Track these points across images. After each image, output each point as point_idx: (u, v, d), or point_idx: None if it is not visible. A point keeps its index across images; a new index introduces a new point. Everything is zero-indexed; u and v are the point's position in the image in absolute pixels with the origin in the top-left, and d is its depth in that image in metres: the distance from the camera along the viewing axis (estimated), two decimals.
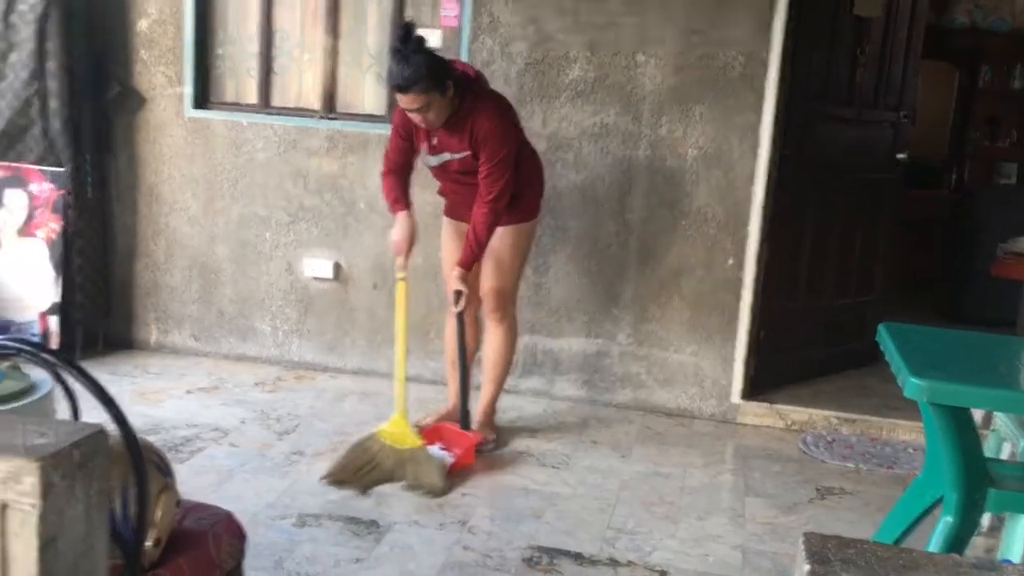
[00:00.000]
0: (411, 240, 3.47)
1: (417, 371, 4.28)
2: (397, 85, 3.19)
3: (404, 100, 3.21)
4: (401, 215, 3.47)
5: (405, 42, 3.18)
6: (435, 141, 3.37)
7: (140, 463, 1.57)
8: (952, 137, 7.92)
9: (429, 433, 3.49)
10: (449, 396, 3.76)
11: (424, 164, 3.53)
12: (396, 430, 3.36)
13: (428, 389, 4.16)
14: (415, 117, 3.26)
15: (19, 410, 2.16)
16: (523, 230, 3.56)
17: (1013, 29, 7.43)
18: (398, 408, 3.41)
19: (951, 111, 7.93)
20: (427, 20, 4.14)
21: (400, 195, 3.49)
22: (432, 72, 3.17)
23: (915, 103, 4.77)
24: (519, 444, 3.68)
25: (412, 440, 3.35)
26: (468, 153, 3.34)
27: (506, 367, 3.69)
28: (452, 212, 3.63)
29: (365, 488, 3.18)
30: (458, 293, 3.41)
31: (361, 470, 3.26)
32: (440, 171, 3.51)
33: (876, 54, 4.44)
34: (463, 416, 3.58)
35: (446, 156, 3.39)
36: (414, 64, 3.15)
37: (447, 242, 3.65)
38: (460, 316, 3.51)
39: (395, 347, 3.54)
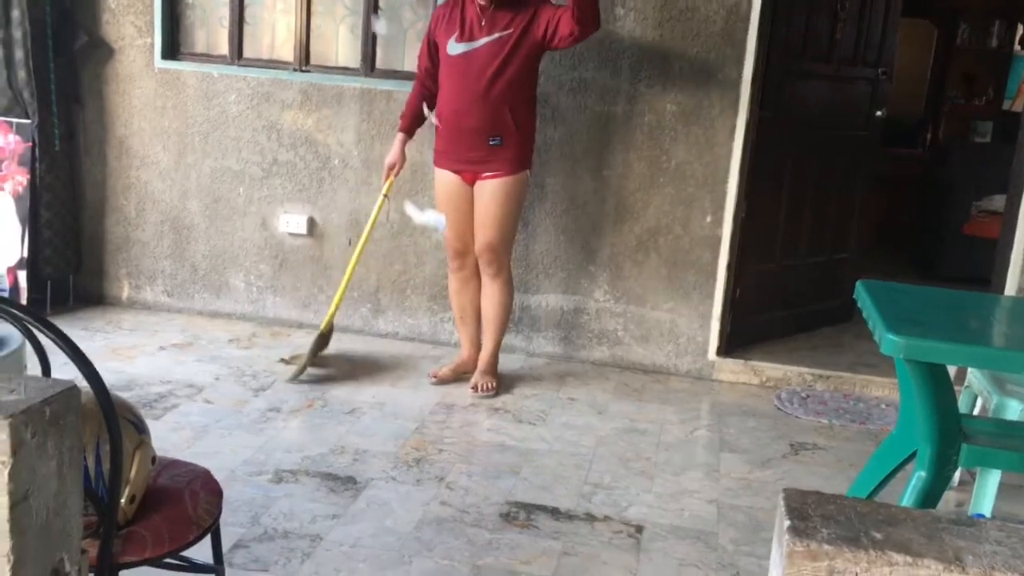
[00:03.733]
0: (400, 164, 3.73)
1: (393, 327, 4.27)
2: None
3: None
4: (400, 137, 3.71)
5: None
6: (480, 24, 3.42)
7: (113, 420, 1.54)
8: (929, 95, 7.93)
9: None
10: (462, 347, 3.89)
11: (443, 60, 3.54)
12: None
13: (406, 345, 4.15)
14: None
15: None
16: (516, 182, 3.57)
17: None
18: (335, 303, 3.79)
19: (928, 69, 7.93)
20: None
21: (412, 116, 3.70)
22: None
23: (894, 60, 4.75)
24: (496, 401, 3.68)
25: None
26: (511, 32, 3.40)
27: (505, 319, 3.80)
28: (448, 156, 3.60)
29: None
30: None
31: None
32: (459, 66, 3.47)
33: (856, 11, 4.41)
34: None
35: (482, 41, 3.43)
36: None
37: (445, 201, 3.65)
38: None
39: (353, 254, 3.84)
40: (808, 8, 4.18)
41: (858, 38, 4.46)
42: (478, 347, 3.82)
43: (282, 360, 3.83)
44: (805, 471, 3.27)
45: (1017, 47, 7.95)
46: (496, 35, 3.43)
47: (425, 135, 3.83)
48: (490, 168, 3.54)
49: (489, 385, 3.72)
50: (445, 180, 3.63)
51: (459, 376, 3.81)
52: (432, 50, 3.60)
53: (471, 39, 3.46)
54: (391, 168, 3.74)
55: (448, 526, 2.71)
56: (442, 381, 3.78)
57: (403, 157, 3.73)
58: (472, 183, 3.59)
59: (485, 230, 3.58)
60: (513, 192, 3.57)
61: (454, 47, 3.48)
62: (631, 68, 3.91)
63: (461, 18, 3.47)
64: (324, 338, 3.82)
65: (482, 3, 3.41)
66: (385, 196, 3.79)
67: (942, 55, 7.85)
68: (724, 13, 3.81)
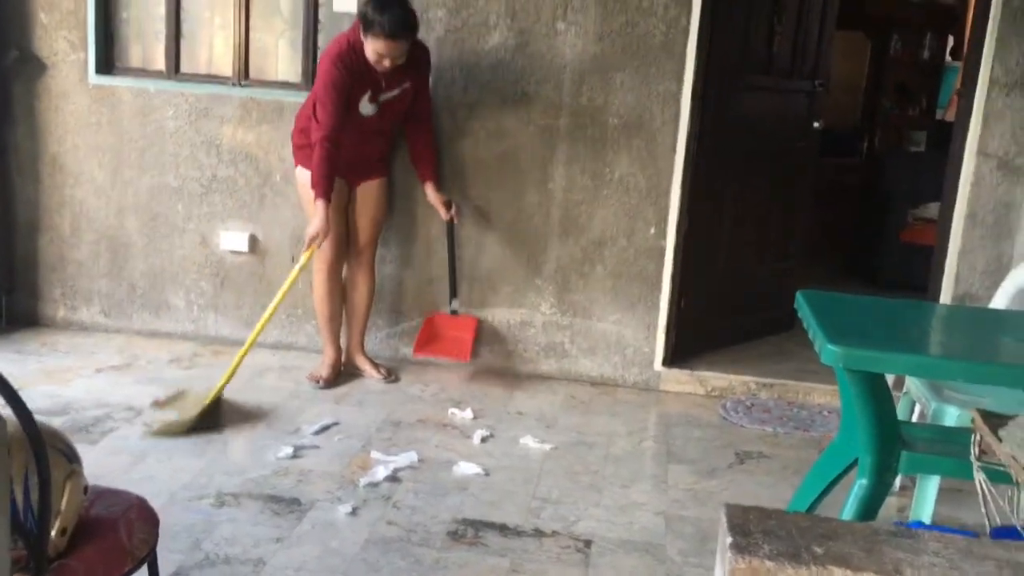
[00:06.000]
0: (324, 234, 3.62)
1: (295, 338, 4.25)
2: (401, 33, 3.42)
3: (393, 47, 3.44)
4: (323, 204, 3.57)
5: None
6: (383, 84, 3.59)
7: (41, 449, 1.49)
8: (865, 105, 8.11)
9: (425, 325, 4.00)
10: (333, 348, 3.95)
11: (354, 120, 3.61)
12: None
13: (300, 356, 4.12)
14: (384, 63, 3.48)
15: None
16: (388, 181, 3.95)
17: (923, 0, 7.61)
18: (231, 367, 3.54)
19: (864, 80, 8.10)
20: None
21: (331, 181, 3.60)
22: (415, 19, 3.53)
23: (829, 72, 4.84)
24: (443, 416, 3.65)
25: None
26: (408, 86, 3.65)
27: None
28: (344, 172, 3.73)
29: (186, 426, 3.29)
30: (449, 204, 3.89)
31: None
32: (373, 119, 3.66)
33: (792, 24, 4.48)
34: (452, 299, 4.05)
35: (393, 93, 3.62)
36: (409, 14, 3.47)
37: (343, 199, 3.81)
38: (451, 226, 3.94)
39: (264, 314, 3.66)
40: (746, 22, 4.24)
41: (794, 51, 4.54)
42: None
43: (155, 403, 3.44)
44: (751, 480, 3.30)
45: (948, 58, 8.17)
46: (397, 90, 3.65)
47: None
48: (375, 173, 3.86)
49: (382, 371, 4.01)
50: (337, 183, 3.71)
51: (339, 373, 3.95)
52: (349, 98, 3.57)
53: (378, 98, 3.64)
54: (314, 239, 3.57)
55: (395, 546, 2.68)
56: (328, 383, 3.87)
57: (328, 226, 3.58)
58: (355, 186, 3.83)
59: (370, 228, 3.89)
60: (388, 190, 3.95)
61: (366, 107, 3.63)
62: (573, 82, 3.93)
63: (371, 79, 3.56)
64: (213, 410, 3.43)
65: (386, 71, 3.54)
66: (302, 268, 3.64)
67: (876, 66, 8.03)
68: (664, 27, 3.85)
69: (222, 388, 3.49)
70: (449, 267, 4.02)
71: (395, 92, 3.64)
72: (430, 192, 3.86)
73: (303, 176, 3.74)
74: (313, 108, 3.63)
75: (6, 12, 4.09)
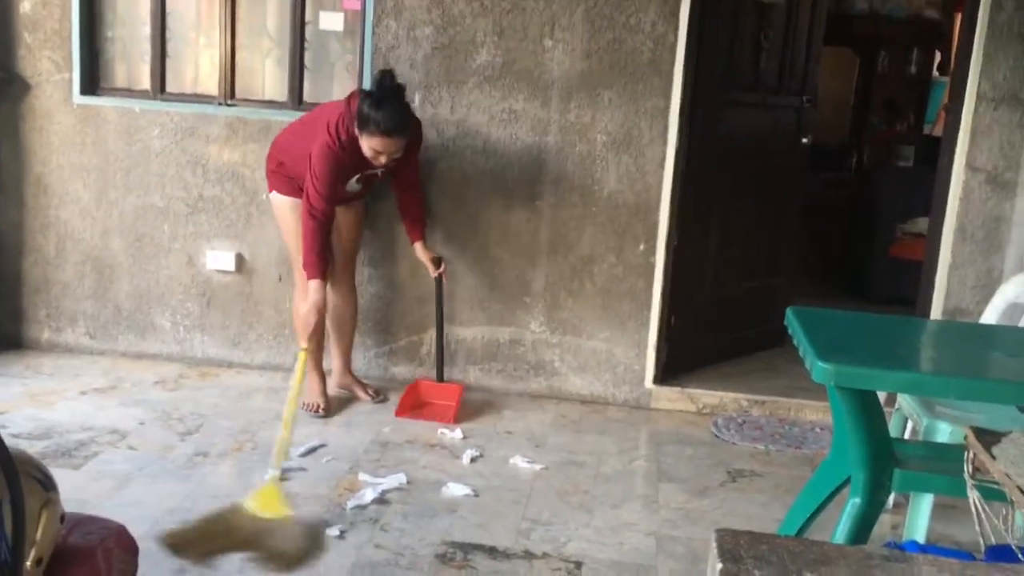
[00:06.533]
0: (324, 314, 3.61)
1: (283, 359, 4.20)
2: (397, 130, 3.40)
3: (390, 143, 3.41)
4: (319, 284, 3.51)
5: (394, 89, 3.43)
6: (372, 164, 3.52)
7: (14, 477, 1.46)
8: (853, 121, 8.13)
9: (409, 390, 3.87)
10: (312, 376, 3.80)
11: (337, 192, 3.60)
12: (265, 497, 2.93)
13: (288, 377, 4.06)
14: (381, 159, 3.45)
15: None
16: (364, 202, 3.94)
17: (910, 16, 7.66)
18: (274, 467, 3.08)
19: (852, 95, 8.14)
20: (328, 3, 4.03)
21: (326, 261, 3.55)
22: (411, 113, 3.56)
23: (817, 88, 4.85)
24: (431, 436, 3.62)
25: (281, 509, 2.90)
26: (399, 157, 3.54)
27: None
28: None
29: (202, 557, 2.64)
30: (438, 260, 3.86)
31: (206, 537, 2.74)
32: (357, 191, 3.72)
33: (779, 41, 4.49)
34: (439, 369, 3.96)
35: (380, 169, 3.57)
36: (406, 109, 3.49)
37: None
38: (440, 283, 3.88)
39: (284, 411, 3.24)
40: (732, 38, 4.25)
41: (782, 67, 4.54)
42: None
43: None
44: (743, 498, 3.27)
45: (935, 73, 8.22)
46: (384, 166, 3.56)
47: None
48: (352, 200, 3.81)
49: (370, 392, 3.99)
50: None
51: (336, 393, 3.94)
52: (335, 192, 3.55)
53: (364, 174, 3.62)
54: (310, 323, 3.50)
55: (382, 570, 2.64)
56: (328, 410, 3.79)
57: (324, 305, 3.55)
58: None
59: (353, 244, 3.89)
60: (364, 208, 3.94)
61: (352, 185, 3.66)
62: (561, 99, 3.92)
63: (362, 165, 3.52)
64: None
65: (381, 161, 3.48)
66: (307, 350, 3.47)
67: (864, 82, 8.06)
68: (651, 44, 3.84)
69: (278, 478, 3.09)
70: (437, 331, 3.93)
71: (382, 168, 3.57)
72: (419, 250, 3.80)
73: (278, 200, 3.73)
74: (298, 158, 3.58)
75: None
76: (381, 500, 3.05)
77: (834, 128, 7.75)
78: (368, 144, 3.43)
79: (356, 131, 3.44)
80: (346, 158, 3.49)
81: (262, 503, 2.89)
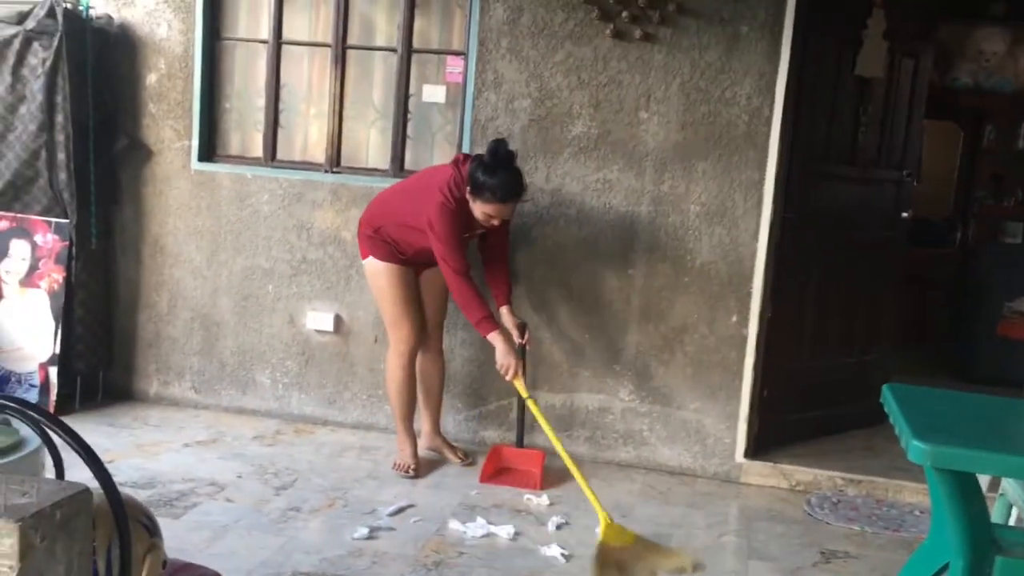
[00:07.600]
0: (518, 361, 3.64)
1: (375, 418, 4.28)
2: (513, 197, 3.59)
3: (504, 209, 3.60)
4: (499, 332, 3.61)
5: (508, 157, 3.58)
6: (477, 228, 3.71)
7: (124, 523, 1.54)
8: (958, 195, 7.92)
9: (491, 455, 3.91)
10: (405, 438, 3.91)
11: None
12: (612, 532, 3.27)
13: (380, 437, 4.14)
14: (493, 222, 3.62)
15: (7, 466, 2.13)
16: None
17: (1016, 90, 7.47)
18: (599, 512, 3.33)
19: (956, 170, 7.95)
20: (432, 77, 4.20)
21: (486, 304, 3.66)
22: (524, 180, 3.67)
23: (918, 162, 4.78)
24: (518, 503, 3.62)
25: (629, 535, 3.29)
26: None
27: None
28: (411, 260, 3.82)
29: None
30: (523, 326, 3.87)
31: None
32: None
33: (879, 114, 4.46)
34: (520, 434, 4.01)
35: (477, 232, 3.74)
36: (519, 176, 3.62)
37: (408, 290, 3.84)
38: (524, 352, 3.83)
39: (564, 460, 3.55)
40: (830, 112, 4.24)
41: (881, 140, 4.51)
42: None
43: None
44: None
45: None
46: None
47: None
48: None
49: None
50: (406, 273, 3.81)
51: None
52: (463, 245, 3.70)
53: (465, 234, 3.72)
54: (509, 366, 3.60)
55: None
56: (418, 471, 3.85)
57: (512, 349, 3.64)
58: (420, 273, 3.90)
59: (442, 312, 3.99)
60: None
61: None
62: (655, 169, 3.97)
63: (466, 222, 3.65)
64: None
65: (490, 223, 3.64)
66: (530, 398, 3.67)
67: (969, 156, 7.86)
68: (747, 117, 3.87)
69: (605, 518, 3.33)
70: (518, 397, 3.87)
71: (483, 230, 3.74)
72: (505, 315, 3.82)
73: (374, 265, 3.82)
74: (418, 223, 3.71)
75: (120, 103, 4.36)
76: (466, 563, 3.07)
77: (938, 203, 7.57)
78: (482, 209, 3.57)
79: (468, 195, 3.57)
80: (459, 218, 3.61)
81: (616, 537, 3.27)
